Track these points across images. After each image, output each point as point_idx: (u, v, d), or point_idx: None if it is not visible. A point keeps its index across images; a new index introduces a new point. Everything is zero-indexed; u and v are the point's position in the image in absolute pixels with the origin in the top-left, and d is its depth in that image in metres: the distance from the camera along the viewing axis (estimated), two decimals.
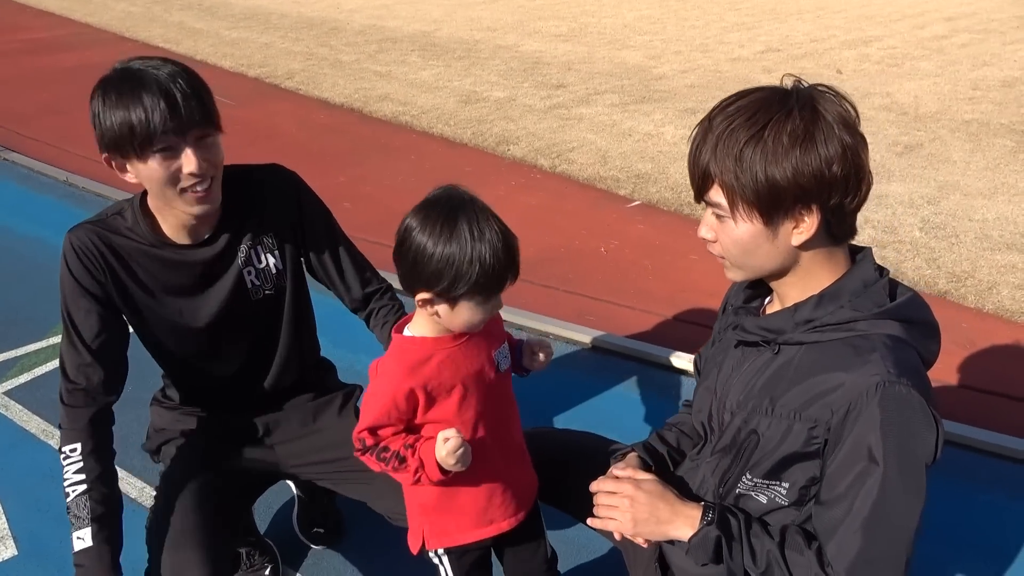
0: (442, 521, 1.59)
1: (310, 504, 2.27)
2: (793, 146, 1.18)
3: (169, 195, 1.58)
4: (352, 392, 2.01)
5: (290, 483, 2.25)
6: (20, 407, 2.94)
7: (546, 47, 9.22)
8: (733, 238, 1.27)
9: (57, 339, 3.39)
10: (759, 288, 1.45)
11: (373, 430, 1.45)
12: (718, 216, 1.28)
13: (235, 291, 1.77)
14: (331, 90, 7.71)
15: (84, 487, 1.61)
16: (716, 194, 1.25)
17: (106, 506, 1.63)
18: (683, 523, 1.31)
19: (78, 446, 1.64)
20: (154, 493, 1.87)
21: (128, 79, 1.51)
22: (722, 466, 1.39)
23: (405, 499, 1.62)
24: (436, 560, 1.64)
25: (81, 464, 1.63)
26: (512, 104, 6.83)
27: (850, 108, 1.22)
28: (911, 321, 1.26)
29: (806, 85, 1.24)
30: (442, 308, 1.41)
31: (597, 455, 1.72)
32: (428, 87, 7.60)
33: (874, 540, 1.20)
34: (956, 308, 3.35)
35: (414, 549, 1.63)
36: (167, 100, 1.49)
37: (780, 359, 1.30)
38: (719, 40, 9.24)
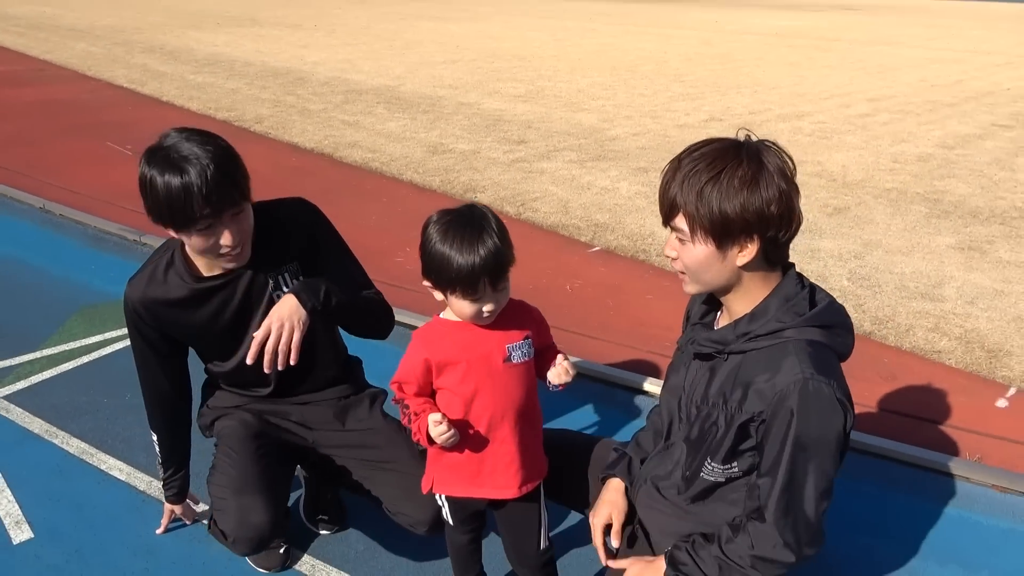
0: (442, 473, 1.91)
1: (316, 494, 2.50)
2: (742, 188, 1.47)
3: (208, 258, 1.91)
4: (376, 396, 2.30)
5: (300, 470, 2.49)
6: (21, 410, 3.07)
7: (506, 106, 9.75)
8: (691, 257, 1.57)
9: (50, 351, 3.55)
10: (712, 304, 1.78)
11: (400, 384, 1.81)
12: (680, 239, 1.58)
13: (268, 311, 2.02)
14: (301, 136, 8.02)
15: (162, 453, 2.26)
16: (680, 221, 1.55)
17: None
18: None
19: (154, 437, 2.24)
20: (210, 461, 2.16)
21: (172, 165, 1.73)
22: (690, 453, 1.71)
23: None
24: (440, 502, 1.96)
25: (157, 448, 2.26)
26: (477, 156, 7.25)
27: (787, 160, 1.53)
28: (827, 325, 1.57)
29: (755, 139, 1.55)
30: (441, 296, 1.74)
31: (582, 451, 2.10)
32: (396, 137, 7.98)
33: (794, 496, 1.53)
34: (879, 346, 3.80)
35: (423, 488, 1.96)
36: (204, 189, 1.72)
37: (729, 364, 1.63)
38: (666, 108, 9.94)
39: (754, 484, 1.59)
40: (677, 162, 1.56)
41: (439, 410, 1.76)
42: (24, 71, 12.24)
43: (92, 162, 6.98)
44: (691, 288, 1.67)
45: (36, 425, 2.98)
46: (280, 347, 1.80)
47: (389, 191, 6.24)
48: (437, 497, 1.96)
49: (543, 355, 1.91)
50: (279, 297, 2.04)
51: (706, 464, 1.65)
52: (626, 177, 6.63)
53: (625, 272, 4.71)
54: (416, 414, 1.77)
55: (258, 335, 1.81)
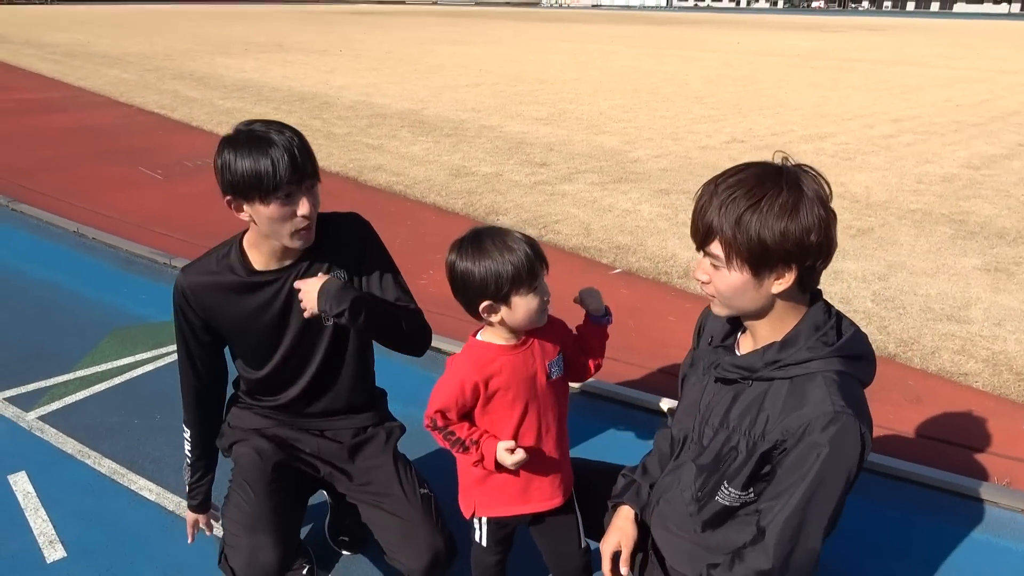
0: (485, 496, 1.94)
1: (339, 516, 2.53)
2: (782, 216, 1.44)
3: (281, 232, 1.94)
4: (393, 431, 2.32)
5: (325, 494, 2.53)
6: (55, 431, 3.15)
7: (528, 129, 9.84)
8: (726, 283, 1.54)
9: (84, 372, 3.64)
10: (734, 324, 1.76)
11: (442, 412, 1.82)
12: (714, 265, 1.55)
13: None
14: (326, 159, 8.15)
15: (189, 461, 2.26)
16: (716, 247, 1.51)
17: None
18: None
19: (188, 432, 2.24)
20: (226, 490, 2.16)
21: (256, 139, 1.84)
22: (701, 474, 1.70)
23: (459, 471, 1.95)
24: (476, 525, 1.99)
25: (190, 441, 2.25)
26: (499, 179, 7.32)
27: (824, 186, 1.49)
28: (854, 356, 1.56)
29: (792, 164, 1.50)
30: (504, 311, 1.76)
31: (606, 480, 2.08)
32: (419, 160, 8.09)
33: (802, 523, 1.51)
34: (903, 369, 3.77)
35: (466, 514, 1.99)
36: (290, 156, 1.83)
37: (753, 390, 1.63)
38: (688, 130, 9.98)
39: (764, 508, 1.58)
40: (713, 186, 1.53)
41: (495, 435, 1.82)
42: (60, 98, 12.60)
43: (124, 186, 7.15)
44: (720, 311, 1.66)
45: (69, 445, 3.06)
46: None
47: (413, 214, 6.32)
48: (475, 520, 1.99)
49: (581, 342, 1.97)
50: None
51: (723, 488, 1.65)
52: (648, 199, 6.66)
53: (647, 294, 4.72)
54: (474, 442, 1.81)
55: (299, 284, 1.96)
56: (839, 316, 1.62)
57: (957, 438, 3.20)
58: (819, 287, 1.64)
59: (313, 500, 2.53)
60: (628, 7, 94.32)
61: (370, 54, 20.35)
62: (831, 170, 7.75)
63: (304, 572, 2.34)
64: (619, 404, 3.46)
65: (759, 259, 1.49)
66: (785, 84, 15.07)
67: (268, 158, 1.81)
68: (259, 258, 2.04)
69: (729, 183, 1.52)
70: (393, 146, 8.80)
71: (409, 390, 2.69)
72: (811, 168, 1.53)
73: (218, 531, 2.51)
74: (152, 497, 2.75)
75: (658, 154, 8.48)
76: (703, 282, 1.63)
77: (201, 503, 2.32)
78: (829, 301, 1.65)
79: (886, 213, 6.28)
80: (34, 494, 2.76)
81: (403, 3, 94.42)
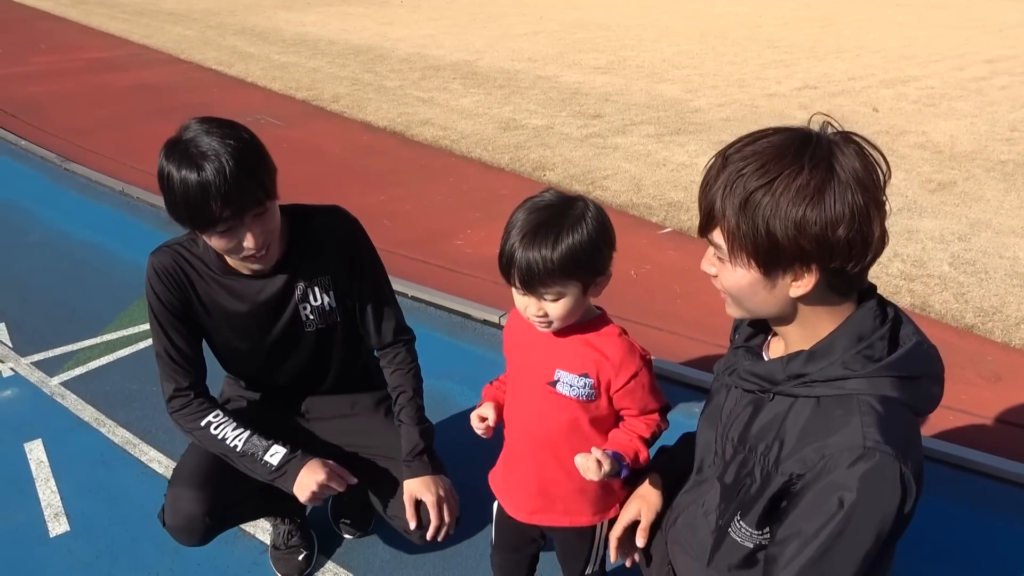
0: (499, 458, 1.83)
1: (340, 497, 2.39)
2: (799, 203, 1.13)
3: (232, 257, 1.78)
4: (387, 397, 2.15)
5: None
6: (75, 397, 3.12)
7: (585, 78, 9.42)
8: (731, 281, 1.25)
9: (110, 336, 3.59)
10: (763, 323, 1.40)
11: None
12: (718, 257, 1.26)
13: (291, 322, 1.94)
14: (375, 114, 7.97)
15: (246, 432, 1.88)
16: (717, 236, 1.22)
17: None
18: None
19: (210, 417, 1.90)
20: None
21: (190, 158, 1.59)
22: (724, 498, 1.42)
23: None
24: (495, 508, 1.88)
25: (225, 422, 1.89)
26: (550, 132, 7.00)
27: (876, 163, 1.16)
28: (909, 376, 1.22)
29: (832, 131, 1.18)
30: None
31: None
32: (468, 113, 7.82)
33: None
34: (982, 342, 3.38)
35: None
36: (225, 187, 1.58)
37: (775, 405, 1.31)
38: (756, 76, 9.36)
39: (771, 553, 1.27)
40: (723, 158, 1.21)
41: (502, 401, 1.73)
42: (123, 56, 12.76)
43: None
44: (735, 312, 1.34)
45: (87, 413, 3.01)
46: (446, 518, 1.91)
47: (457, 170, 6.09)
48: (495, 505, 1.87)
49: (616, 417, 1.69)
50: (305, 309, 1.93)
51: (735, 521, 1.37)
52: (706, 152, 6.24)
53: (698, 255, 4.29)
54: (490, 383, 1.78)
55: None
56: (897, 321, 1.26)
57: None
58: (889, 276, 1.31)
59: None
60: None
61: (430, 4, 19.95)
62: (912, 118, 7.13)
63: (300, 557, 2.22)
64: (659, 379, 3.19)
65: (768, 255, 1.18)
66: (868, 24, 14.03)
67: (199, 190, 1.58)
68: (231, 262, 1.86)
69: (743, 154, 1.19)
70: (444, 99, 8.54)
71: (433, 358, 2.45)
72: (861, 139, 1.17)
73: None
74: (160, 470, 2.68)
75: (721, 103, 7.97)
76: (711, 275, 1.32)
77: (292, 449, 1.87)
78: (885, 299, 1.29)
79: (972, 165, 5.70)
80: (46, 463, 2.72)
81: None
